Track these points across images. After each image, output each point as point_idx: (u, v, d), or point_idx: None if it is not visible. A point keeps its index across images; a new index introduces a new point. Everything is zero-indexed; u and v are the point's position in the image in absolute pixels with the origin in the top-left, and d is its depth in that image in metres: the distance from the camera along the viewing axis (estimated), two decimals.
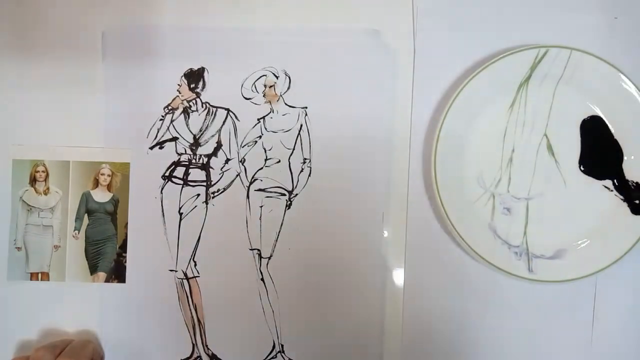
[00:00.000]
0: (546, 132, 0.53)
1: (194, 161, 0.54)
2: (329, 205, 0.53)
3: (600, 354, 0.54)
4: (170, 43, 0.54)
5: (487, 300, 0.54)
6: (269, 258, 0.53)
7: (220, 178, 0.54)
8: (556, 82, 0.53)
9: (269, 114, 0.54)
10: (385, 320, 0.52)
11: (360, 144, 0.53)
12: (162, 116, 0.54)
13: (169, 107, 0.54)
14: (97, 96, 0.53)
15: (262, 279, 0.53)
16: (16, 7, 0.54)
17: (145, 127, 0.53)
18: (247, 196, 0.54)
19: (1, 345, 0.53)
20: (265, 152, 0.54)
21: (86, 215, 0.53)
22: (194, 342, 0.53)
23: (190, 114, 0.54)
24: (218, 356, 0.53)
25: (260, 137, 0.54)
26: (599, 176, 0.53)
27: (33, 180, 0.53)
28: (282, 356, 0.53)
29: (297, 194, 0.54)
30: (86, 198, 0.53)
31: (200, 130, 0.54)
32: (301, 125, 0.53)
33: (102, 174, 0.53)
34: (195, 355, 0.53)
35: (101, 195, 0.53)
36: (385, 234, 0.53)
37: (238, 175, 0.54)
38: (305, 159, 0.54)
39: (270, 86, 0.54)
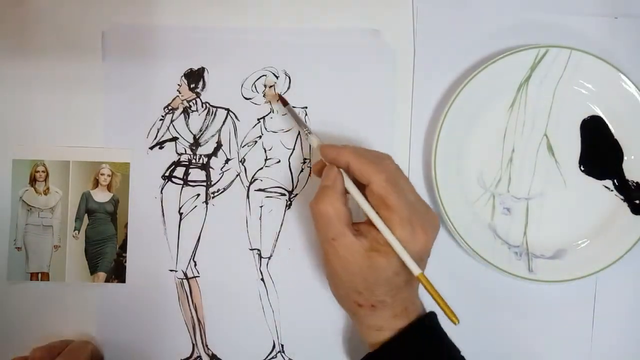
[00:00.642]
0: (546, 132, 0.53)
1: (194, 161, 0.54)
2: None
3: (600, 354, 0.54)
4: (170, 43, 0.54)
5: (487, 300, 0.54)
6: (269, 258, 0.53)
7: (220, 178, 0.54)
8: (556, 82, 0.53)
9: (269, 114, 0.54)
10: None
11: (360, 144, 0.53)
12: (162, 116, 0.54)
13: (169, 107, 0.54)
14: (97, 96, 0.53)
15: (262, 279, 0.53)
16: (16, 7, 0.54)
17: (145, 127, 0.53)
18: (247, 196, 0.54)
19: (1, 345, 0.53)
20: (265, 152, 0.54)
21: (86, 215, 0.53)
22: (194, 342, 0.53)
23: (190, 114, 0.54)
24: (218, 356, 0.53)
25: (260, 137, 0.54)
26: (599, 176, 0.53)
27: (33, 180, 0.53)
28: (282, 356, 0.53)
29: (297, 194, 0.54)
30: (86, 198, 0.53)
31: (200, 130, 0.54)
32: None
33: (102, 174, 0.53)
34: (195, 355, 0.53)
35: (101, 195, 0.53)
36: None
37: (238, 175, 0.54)
38: (305, 159, 0.54)
39: (270, 86, 0.54)
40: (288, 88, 0.54)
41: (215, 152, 0.54)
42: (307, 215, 0.52)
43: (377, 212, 0.42)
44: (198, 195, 0.53)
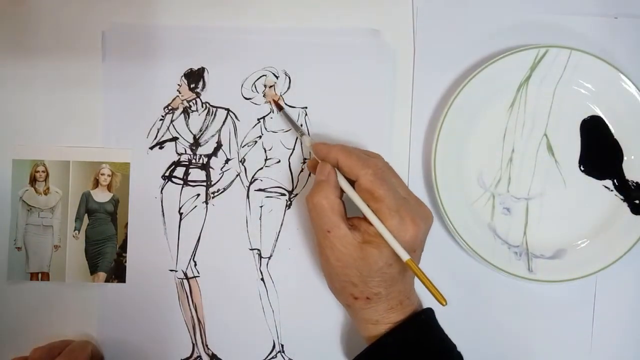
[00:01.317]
0: (546, 132, 0.53)
1: (194, 161, 0.54)
2: None
3: (600, 354, 0.54)
4: (170, 43, 0.54)
5: (487, 300, 0.54)
6: (269, 258, 0.53)
7: (220, 178, 0.54)
8: (556, 82, 0.53)
9: (269, 114, 0.54)
10: None
11: (360, 144, 0.53)
12: (162, 116, 0.54)
13: (169, 107, 0.54)
14: (97, 96, 0.53)
15: (262, 279, 0.53)
16: (16, 7, 0.54)
17: (145, 127, 0.53)
18: (247, 196, 0.54)
19: (1, 345, 0.53)
20: (265, 152, 0.54)
21: (86, 215, 0.53)
22: (194, 342, 0.53)
23: (190, 114, 0.54)
24: (218, 356, 0.53)
25: (260, 137, 0.54)
26: (599, 176, 0.53)
27: (33, 180, 0.53)
28: (282, 356, 0.53)
29: (297, 194, 0.54)
30: (86, 198, 0.53)
31: (200, 130, 0.54)
32: (301, 125, 0.53)
33: (102, 174, 0.53)
34: (195, 355, 0.53)
35: (101, 195, 0.53)
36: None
37: (238, 175, 0.54)
38: (305, 159, 0.54)
39: (270, 86, 0.54)
40: (288, 88, 0.54)
41: (215, 152, 0.54)
42: (307, 215, 0.52)
43: (367, 205, 0.44)
44: (198, 195, 0.53)
